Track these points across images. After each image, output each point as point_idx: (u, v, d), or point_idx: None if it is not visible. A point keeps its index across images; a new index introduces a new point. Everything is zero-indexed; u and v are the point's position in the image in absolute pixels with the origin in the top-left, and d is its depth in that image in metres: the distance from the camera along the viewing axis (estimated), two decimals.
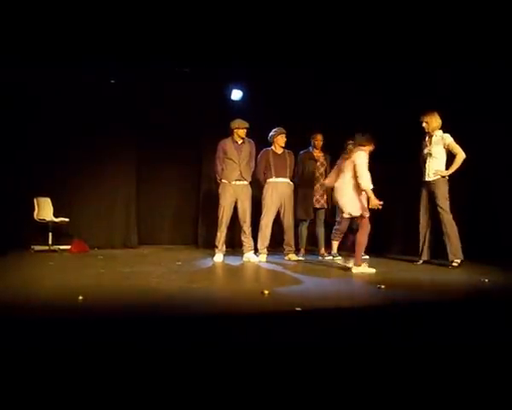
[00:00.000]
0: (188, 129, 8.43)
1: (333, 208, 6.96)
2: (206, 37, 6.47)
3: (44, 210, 7.17)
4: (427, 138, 5.80)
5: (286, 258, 6.41)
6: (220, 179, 6.38)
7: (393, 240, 7.38)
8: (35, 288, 4.01)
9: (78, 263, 5.69)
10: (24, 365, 2.25)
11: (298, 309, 3.05)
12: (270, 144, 6.57)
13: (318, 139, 6.86)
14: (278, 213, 6.47)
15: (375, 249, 7.22)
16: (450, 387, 2.37)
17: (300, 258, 6.47)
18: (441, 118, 5.74)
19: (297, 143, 6.90)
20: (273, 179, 6.42)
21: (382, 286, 4.02)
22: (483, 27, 5.66)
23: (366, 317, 3.20)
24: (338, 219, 6.74)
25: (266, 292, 3.65)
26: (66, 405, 2.08)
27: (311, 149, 6.90)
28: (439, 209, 5.58)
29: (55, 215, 7.18)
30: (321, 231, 6.92)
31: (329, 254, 6.72)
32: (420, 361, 2.62)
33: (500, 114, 6.13)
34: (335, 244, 6.70)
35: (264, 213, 6.42)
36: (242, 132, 6.31)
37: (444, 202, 5.56)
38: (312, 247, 7.17)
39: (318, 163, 6.83)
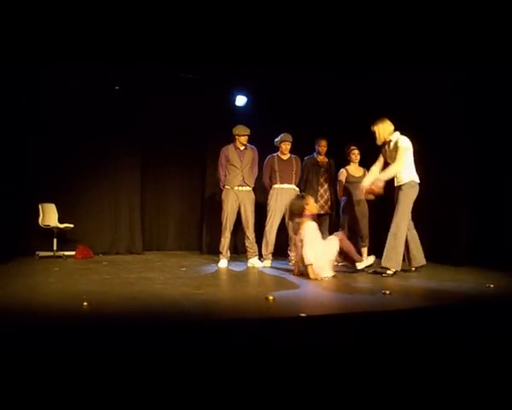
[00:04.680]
0: (192, 135, 8.46)
1: (337, 215, 6.96)
2: (209, 43, 6.49)
3: (49, 216, 7.18)
4: (386, 147, 5.59)
5: (290, 264, 6.40)
6: (223, 185, 6.41)
7: None
8: (40, 294, 4.02)
9: (83, 269, 5.69)
10: (28, 370, 2.25)
11: (302, 315, 3.04)
12: (275, 149, 6.58)
13: (322, 145, 6.84)
14: (283, 219, 6.47)
15: (380, 254, 7.22)
16: (453, 391, 2.36)
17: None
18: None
19: (302, 149, 6.90)
20: (278, 185, 6.43)
21: (387, 292, 4.01)
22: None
23: (371, 322, 3.19)
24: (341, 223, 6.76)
25: (271, 298, 3.65)
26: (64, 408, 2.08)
27: (315, 154, 6.89)
28: (394, 216, 5.34)
29: (60, 221, 7.19)
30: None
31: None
32: (425, 366, 2.61)
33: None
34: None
35: (268, 218, 6.43)
36: (244, 139, 6.34)
37: (403, 209, 5.32)
38: None
39: (323, 169, 6.82)
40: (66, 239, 7.48)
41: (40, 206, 7.20)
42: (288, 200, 6.41)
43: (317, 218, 6.75)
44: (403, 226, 5.27)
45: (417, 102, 7.04)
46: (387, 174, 5.36)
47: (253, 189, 6.47)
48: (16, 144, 7.33)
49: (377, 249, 7.24)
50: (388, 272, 5.26)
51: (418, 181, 5.38)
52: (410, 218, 5.45)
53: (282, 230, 6.57)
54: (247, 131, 6.33)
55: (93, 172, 7.84)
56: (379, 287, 4.37)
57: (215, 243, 6.96)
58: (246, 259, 6.46)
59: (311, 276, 5.03)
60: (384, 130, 5.47)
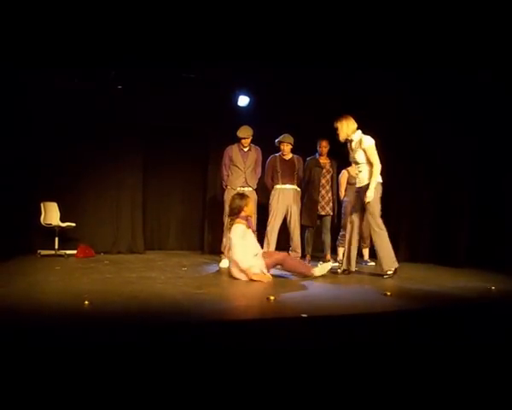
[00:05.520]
0: (194, 135, 8.46)
1: (338, 215, 6.96)
2: (212, 42, 6.49)
3: (51, 215, 7.18)
4: (349, 145, 5.50)
5: None
6: (226, 185, 6.42)
7: (399, 245, 7.34)
8: (41, 292, 4.02)
9: (85, 268, 5.70)
10: (29, 369, 2.25)
11: (303, 315, 3.04)
12: (278, 149, 6.59)
13: (323, 146, 6.83)
14: (285, 220, 6.48)
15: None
16: (454, 393, 2.36)
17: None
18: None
19: (305, 150, 6.90)
20: (280, 186, 6.43)
21: (388, 293, 4.01)
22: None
23: (372, 323, 3.19)
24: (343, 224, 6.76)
25: (272, 298, 3.65)
26: (65, 407, 2.08)
27: (317, 155, 6.89)
28: (369, 217, 5.26)
29: (62, 220, 7.18)
30: (327, 238, 6.90)
31: (335, 260, 6.71)
32: (426, 367, 2.61)
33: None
34: (341, 251, 6.70)
35: (270, 219, 6.43)
36: (245, 142, 6.36)
37: (373, 210, 5.22)
38: (318, 253, 7.16)
39: (324, 170, 6.81)
40: (67, 238, 7.48)
41: (42, 204, 7.21)
42: (290, 200, 6.43)
43: (319, 219, 6.78)
44: (380, 223, 5.20)
45: (419, 103, 7.05)
46: (374, 180, 5.20)
47: (256, 189, 6.48)
48: (18, 143, 7.32)
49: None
50: (388, 272, 5.23)
51: (381, 181, 5.30)
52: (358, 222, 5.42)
53: (284, 230, 6.57)
54: (247, 134, 6.32)
55: (95, 172, 7.85)
56: (380, 288, 4.37)
57: (217, 242, 6.96)
58: None
59: (255, 278, 4.81)
60: (348, 127, 5.37)
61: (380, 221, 5.20)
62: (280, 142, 6.49)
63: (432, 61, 6.40)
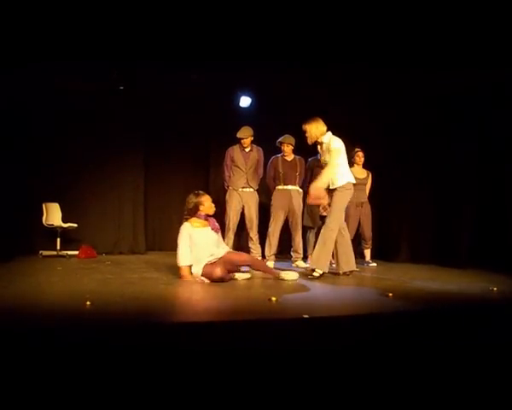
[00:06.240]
0: (196, 135, 8.47)
1: None
2: (214, 43, 6.48)
3: (53, 215, 7.19)
4: (319, 147, 5.49)
5: (293, 265, 6.40)
6: (228, 186, 6.43)
7: (401, 246, 7.34)
8: (43, 293, 4.03)
9: (86, 268, 5.70)
10: (30, 369, 2.26)
11: (305, 316, 3.04)
12: (280, 150, 6.58)
13: None
14: (287, 220, 6.48)
15: (383, 256, 7.22)
16: (455, 394, 2.36)
17: (308, 265, 6.46)
18: None
19: (307, 150, 6.89)
20: (282, 186, 6.43)
21: (390, 294, 4.00)
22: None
23: (373, 324, 3.19)
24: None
25: (274, 299, 3.64)
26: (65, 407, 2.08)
27: (319, 156, 6.87)
28: (327, 217, 5.29)
29: (64, 220, 7.20)
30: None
31: None
32: (427, 369, 2.61)
33: None
34: None
35: (272, 219, 6.43)
36: (244, 142, 6.36)
37: (334, 209, 5.22)
38: None
39: None
40: (69, 239, 7.49)
41: (44, 205, 7.22)
42: (292, 201, 6.43)
43: (320, 219, 6.77)
44: (333, 228, 5.15)
45: (419, 103, 7.05)
46: (323, 180, 5.20)
47: (257, 190, 6.49)
48: (20, 144, 7.33)
49: (380, 251, 7.28)
50: (315, 273, 5.15)
51: (354, 182, 5.32)
52: (343, 220, 5.33)
53: (286, 231, 6.57)
54: (245, 134, 6.33)
55: (96, 172, 7.85)
56: (381, 289, 4.36)
57: None
58: None
59: (186, 278, 4.75)
60: (317, 129, 5.32)
61: (337, 223, 5.16)
62: (281, 142, 6.49)
63: (431, 61, 6.40)
